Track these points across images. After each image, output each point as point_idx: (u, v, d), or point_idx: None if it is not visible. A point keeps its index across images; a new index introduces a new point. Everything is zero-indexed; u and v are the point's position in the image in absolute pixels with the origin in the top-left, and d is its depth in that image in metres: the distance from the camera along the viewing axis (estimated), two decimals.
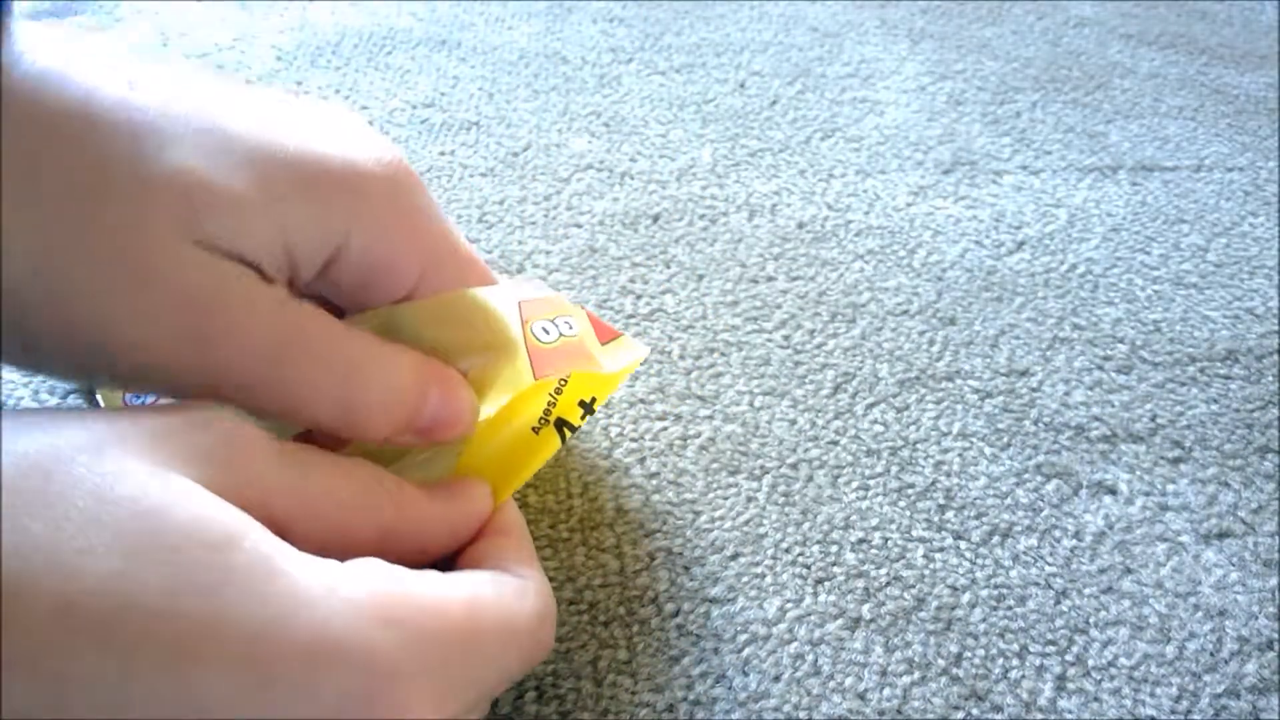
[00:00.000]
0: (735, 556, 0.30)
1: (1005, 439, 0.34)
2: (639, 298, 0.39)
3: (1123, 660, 0.28)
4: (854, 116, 0.52)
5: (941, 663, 0.27)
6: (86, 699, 0.15)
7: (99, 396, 0.31)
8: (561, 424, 0.25)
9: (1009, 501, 0.32)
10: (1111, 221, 0.46)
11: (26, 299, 0.18)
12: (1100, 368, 0.37)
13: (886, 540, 0.30)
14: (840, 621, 0.28)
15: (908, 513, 0.31)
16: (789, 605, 0.28)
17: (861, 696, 0.26)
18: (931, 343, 0.38)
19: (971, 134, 0.51)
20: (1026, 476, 0.33)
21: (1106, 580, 0.30)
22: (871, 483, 0.32)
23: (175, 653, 0.15)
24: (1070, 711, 0.27)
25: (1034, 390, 0.36)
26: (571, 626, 0.27)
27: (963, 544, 0.31)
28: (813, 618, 0.28)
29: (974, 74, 0.57)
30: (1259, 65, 0.60)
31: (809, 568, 0.29)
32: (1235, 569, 0.31)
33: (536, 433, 0.25)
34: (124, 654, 0.15)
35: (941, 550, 0.30)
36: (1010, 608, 0.29)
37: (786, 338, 0.37)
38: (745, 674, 0.27)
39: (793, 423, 0.34)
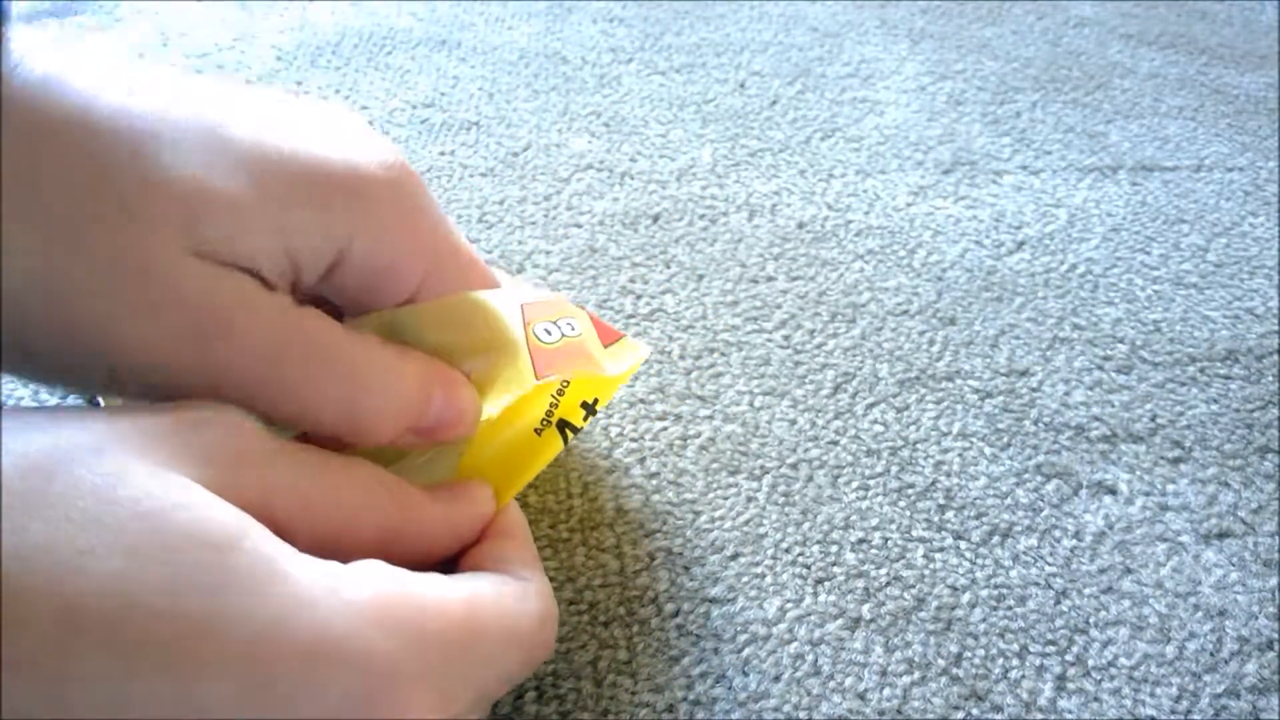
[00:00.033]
0: (735, 556, 0.30)
1: (1005, 439, 0.34)
2: (639, 298, 0.39)
3: (1123, 660, 0.28)
4: (854, 116, 0.52)
5: (941, 663, 0.27)
6: (87, 699, 0.15)
7: (100, 400, 0.31)
8: (564, 425, 0.25)
9: (1009, 501, 0.32)
10: (1111, 221, 0.46)
11: (27, 307, 0.18)
12: (1100, 368, 0.37)
13: (886, 540, 0.30)
14: (840, 621, 0.28)
15: (908, 513, 0.31)
16: (789, 605, 0.28)
17: (861, 696, 0.26)
18: (931, 343, 0.38)
19: (971, 134, 0.51)
20: (1026, 476, 0.33)
21: (1106, 580, 0.30)
22: (871, 483, 0.32)
23: (176, 653, 0.15)
24: (1070, 711, 0.27)
25: (1034, 390, 0.36)
26: (571, 627, 0.27)
27: (963, 544, 0.31)
28: (813, 618, 0.28)
29: (974, 74, 0.57)
30: (1259, 65, 0.60)
31: (809, 568, 0.29)
32: (1235, 569, 0.31)
33: (539, 434, 0.25)
34: (125, 654, 0.15)
35: (941, 550, 0.30)
36: (1010, 608, 0.29)
37: (786, 338, 0.37)
38: (745, 674, 0.27)
39: (793, 423, 0.34)
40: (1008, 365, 0.37)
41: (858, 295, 0.40)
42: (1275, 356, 0.39)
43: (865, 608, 0.28)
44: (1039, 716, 0.26)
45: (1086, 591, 0.29)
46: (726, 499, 0.31)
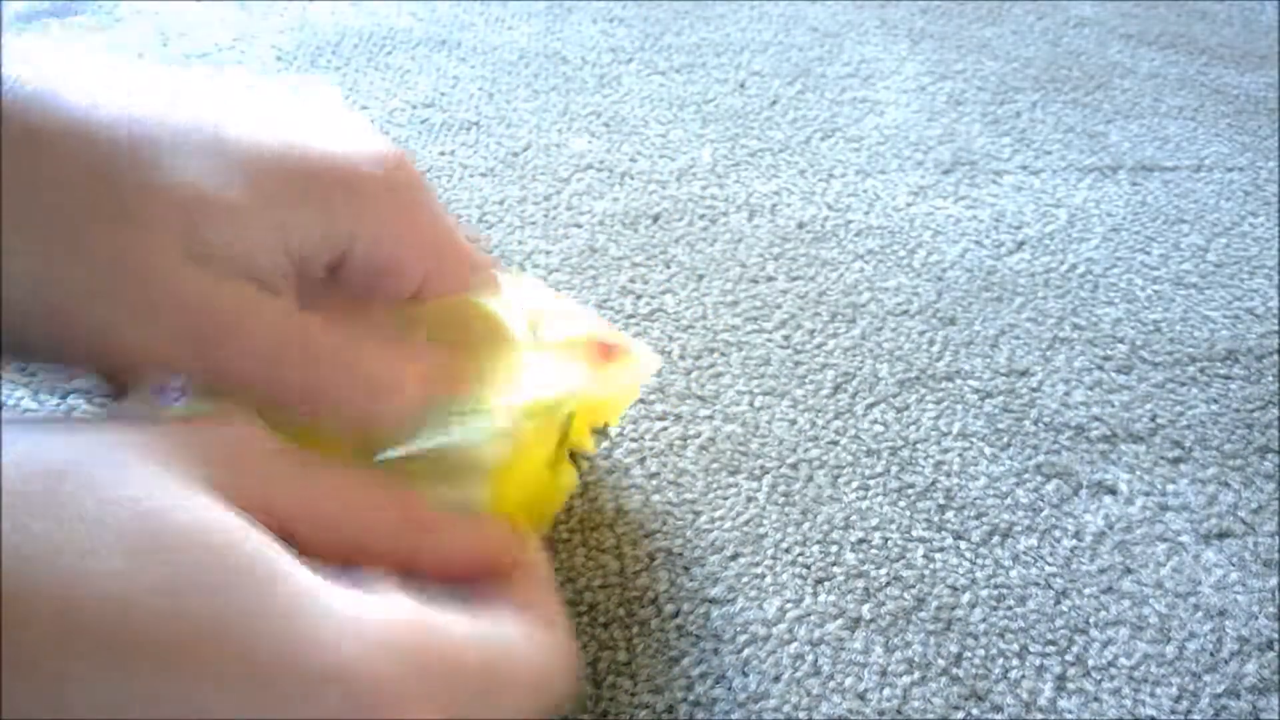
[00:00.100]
0: (735, 557, 0.30)
1: (1005, 439, 0.34)
2: (639, 298, 0.39)
3: (1123, 660, 0.28)
4: (854, 116, 0.52)
5: (941, 663, 0.27)
6: (87, 699, 0.15)
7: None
8: (575, 455, 0.25)
9: (1009, 501, 0.32)
10: (1111, 221, 0.46)
11: (28, 314, 0.18)
12: (1100, 368, 0.37)
13: (886, 540, 0.30)
14: (840, 621, 0.28)
15: (908, 513, 0.31)
16: (789, 605, 0.28)
17: (861, 696, 0.26)
18: (931, 343, 0.38)
19: (971, 134, 0.51)
20: (1026, 476, 0.33)
21: (1106, 580, 0.30)
22: (871, 483, 0.32)
23: (176, 655, 0.15)
24: (1070, 711, 0.27)
25: (1034, 390, 0.36)
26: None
27: (963, 544, 0.31)
28: (813, 618, 0.28)
29: (974, 74, 0.57)
30: (1259, 65, 0.60)
31: (809, 568, 0.29)
32: (1235, 569, 0.31)
33: (553, 469, 0.25)
34: (124, 656, 0.15)
35: (941, 550, 0.30)
36: (1010, 608, 0.29)
37: (786, 338, 0.37)
38: (745, 674, 0.27)
39: (793, 423, 0.34)
40: (1008, 365, 0.37)
41: (858, 295, 0.40)
42: (1275, 356, 0.39)
43: (865, 608, 0.28)
44: (1039, 716, 0.26)
45: (1086, 591, 0.29)
46: (726, 499, 0.31)
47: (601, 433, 0.25)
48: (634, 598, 0.28)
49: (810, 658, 0.27)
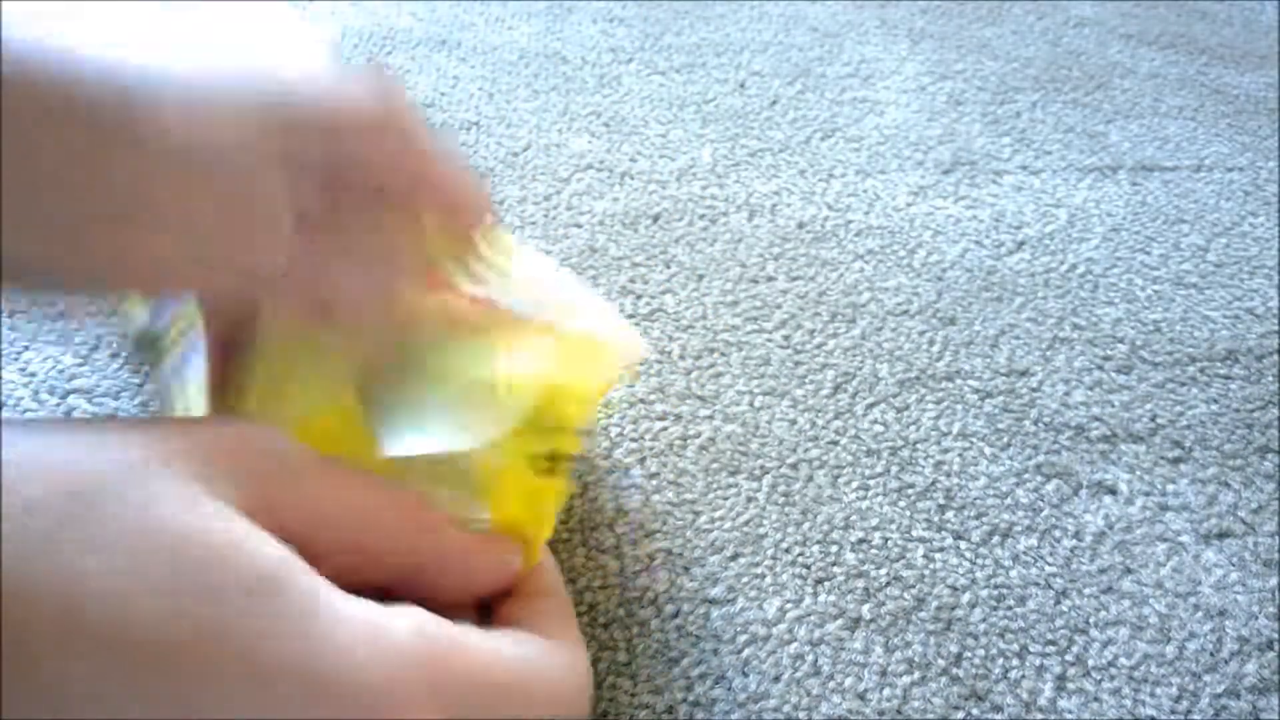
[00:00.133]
0: (735, 557, 0.30)
1: (1005, 439, 0.34)
2: (639, 298, 0.39)
3: (1123, 660, 0.28)
4: (854, 116, 0.52)
5: (941, 663, 0.27)
6: (87, 700, 0.15)
7: (160, 377, 0.31)
8: (561, 458, 0.25)
9: (1009, 501, 0.32)
10: (1111, 221, 0.46)
11: (34, 268, 0.18)
12: (1100, 368, 0.37)
13: (886, 540, 0.30)
14: (840, 621, 0.28)
15: (908, 513, 0.31)
16: (789, 605, 0.28)
17: (861, 696, 0.26)
18: (931, 343, 0.38)
19: (971, 134, 0.51)
20: (1026, 476, 0.33)
21: (1106, 580, 0.30)
22: (871, 483, 0.32)
23: (176, 658, 0.15)
24: (1070, 711, 0.27)
25: (1034, 390, 0.36)
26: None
27: (963, 544, 0.31)
28: (813, 618, 0.28)
29: (974, 74, 0.57)
30: (1259, 65, 0.60)
31: (809, 568, 0.29)
32: (1235, 569, 0.31)
33: (542, 475, 0.24)
34: (125, 657, 0.15)
35: (941, 550, 0.30)
36: (1010, 608, 0.29)
37: (786, 338, 0.37)
38: (745, 675, 0.27)
39: (793, 423, 0.34)
40: (1008, 365, 0.37)
41: (858, 295, 0.40)
42: (1275, 356, 0.39)
43: (865, 608, 0.28)
44: (1039, 716, 0.26)
45: (1086, 591, 0.29)
46: (726, 499, 0.31)
47: (586, 433, 0.25)
48: (634, 598, 0.28)
49: (810, 658, 0.27)
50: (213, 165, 0.19)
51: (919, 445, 0.34)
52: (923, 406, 0.35)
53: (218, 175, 0.19)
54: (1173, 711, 0.27)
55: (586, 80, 0.53)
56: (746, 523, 0.31)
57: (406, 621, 0.18)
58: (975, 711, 0.26)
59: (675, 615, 0.28)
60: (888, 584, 0.29)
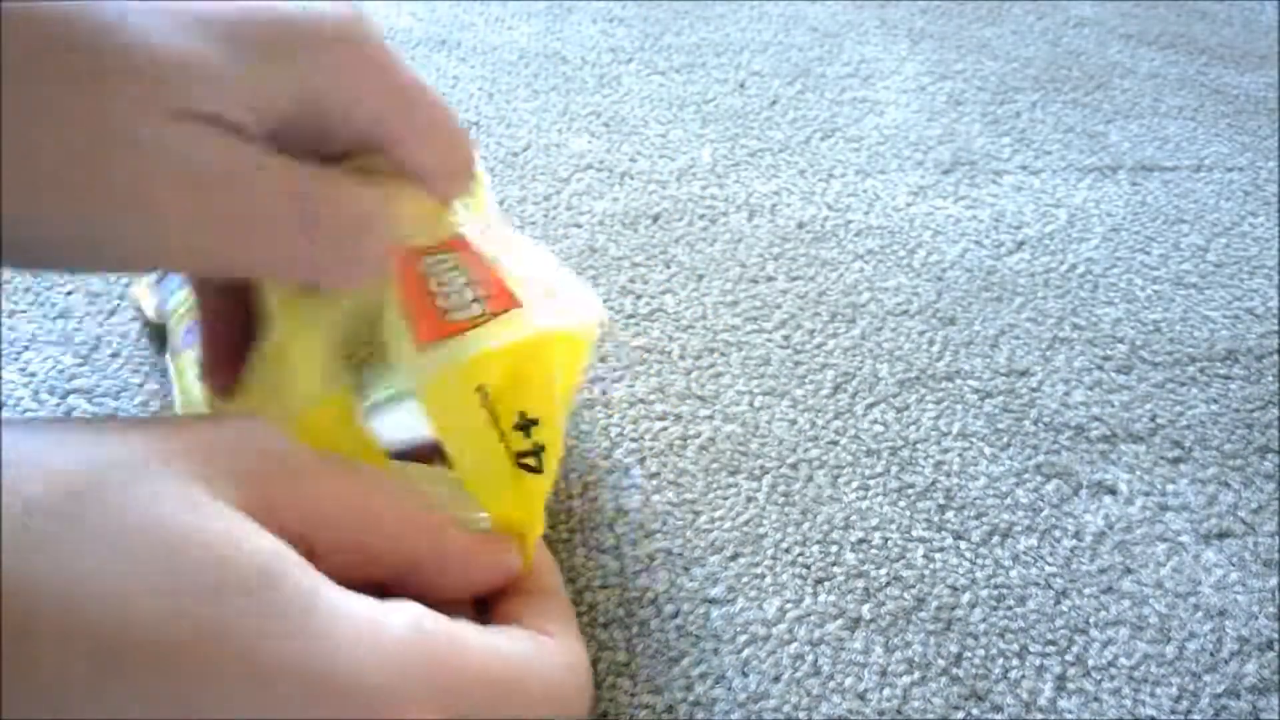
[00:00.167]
0: (735, 557, 0.29)
1: (1005, 439, 0.34)
2: (639, 298, 0.39)
3: (1123, 660, 0.28)
4: (854, 116, 0.52)
5: (941, 663, 0.27)
6: (87, 700, 0.15)
7: (168, 358, 0.31)
8: (521, 456, 0.23)
9: (1009, 501, 0.32)
10: (1111, 221, 0.46)
11: (19, 214, 0.18)
12: (1100, 368, 0.37)
13: (886, 540, 0.30)
14: (840, 621, 0.28)
15: (908, 513, 0.31)
16: (789, 605, 0.28)
17: (861, 696, 0.26)
18: (931, 343, 0.38)
19: (971, 134, 0.51)
20: (1026, 476, 0.33)
21: (1106, 580, 0.30)
22: (871, 483, 0.32)
23: (176, 658, 0.15)
24: (1070, 711, 0.27)
25: (1034, 390, 0.36)
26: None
27: (963, 544, 0.31)
28: (813, 618, 0.28)
29: (974, 74, 0.57)
30: (1259, 65, 0.60)
31: (809, 568, 0.29)
32: (1235, 569, 0.31)
33: (528, 472, 0.23)
34: (125, 657, 0.15)
35: (941, 550, 0.30)
36: (1010, 608, 0.29)
37: (786, 338, 0.37)
38: (745, 674, 0.27)
39: (793, 423, 0.34)
40: (1008, 365, 0.37)
41: (858, 295, 0.40)
42: (1275, 356, 0.39)
43: (865, 608, 0.28)
44: (1039, 716, 0.26)
45: (1086, 591, 0.29)
46: (726, 499, 0.31)
47: (526, 425, 0.23)
48: (634, 598, 0.28)
49: (810, 658, 0.27)
50: (208, 163, 0.19)
51: (919, 445, 0.34)
52: (923, 406, 0.35)
53: (214, 173, 0.19)
54: (1173, 711, 0.27)
55: (586, 80, 0.53)
56: (746, 523, 0.31)
57: (404, 618, 0.18)
58: (975, 711, 0.26)
59: (675, 615, 0.28)
60: (888, 584, 0.29)
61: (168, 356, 0.31)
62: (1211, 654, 0.28)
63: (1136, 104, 0.55)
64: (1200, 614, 0.29)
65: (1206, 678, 0.28)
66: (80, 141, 0.18)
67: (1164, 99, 0.56)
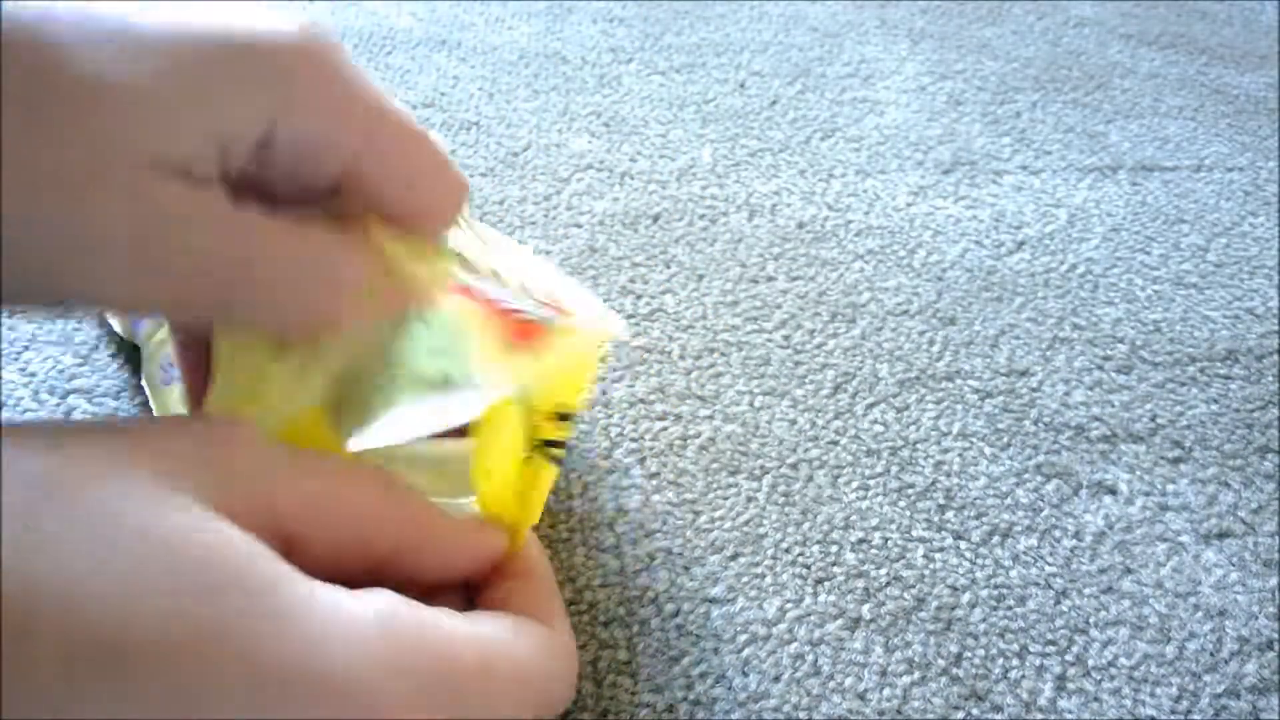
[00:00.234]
0: (735, 556, 0.30)
1: (1005, 439, 0.34)
2: (639, 298, 0.39)
3: (1123, 660, 0.28)
4: (854, 116, 0.52)
5: (941, 663, 0.27)
6: (87, 701, 0.15)
7: (144, 380, 0.31)
8: (546, 444, 0.24)
9: (1009, 501, 0.32)
10: (1111, 221, 0.46)
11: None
12: (1100, 368, 0.37)
13: (886, 540, 0.30)
14: (840, 621, 0.28)
15: (908, 513, 0.31)
16: (789, 605, 0.28)
17: (861, 696, 0.26)
18: (931, 343, 0.38)
19: (971, 134, 0.51)
20: (1026, 476, 0.33)
21: (1106, 580, 0.30)
22: (871, 483, 0.32)
23: (176, 658, 0.15)
24: (1070, 711, 0.27)
25: (1034, 390, 0.36)
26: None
27: (963, 544, 0.31)
28: (813, 618, 0.28)
29: (974, 74, 0.57)
30: (1259, 65, 0.60)
31: (809, 568, 0.29)
32: (1235, 569, 0.31)
33: (528, 463, 0.24)
34: (126, 681, 0.15)
35: (941, 550, 0.30)
36: (1010, 608, 0.29)
37: (786, 338, 0.37)
38: (745, 674, 0.27)
39: (793, 423, 0.34)
40: (1008, 365, 0.37)
41: (858, 295, 0.40)
42: (1275, 356, 0.39)
43: (865, 608, 0.28)
44: (1039, 716, 0.26)
45: (1086, 591, 0.29)
46: (726, 499, 0.31)
47: (567, 418, 0.24)
48: (634, 597, 0.28)
49: (810, 658, 0.27)
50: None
51: (919, 445, 0.34)
52: (923, 406, 0.35)
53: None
54: (1173, 711, 0.27)
55: (586, 80, 0.53)
56: (746, 522, 0.31)
57: (376, 607, 0.18)
58: (975, 711, 0.26)
59: (676, 614, 0.28)
60: (888, 584, 0.29)
61: (144, 381, 0.31)
62: (1211, 654, 0.28)
63: (1136, 104, 0.55)
64: (1200, 614, 0.29)
65: (1206, 678, 0.28)
66: (25, 187, 0.17)
67: (1164, 99, 0.56)
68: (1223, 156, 0.51)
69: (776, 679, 0.27)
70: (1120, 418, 0.35)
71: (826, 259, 0.42)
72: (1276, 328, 0.40)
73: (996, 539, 0.31)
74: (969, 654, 0.28)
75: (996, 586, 0.29)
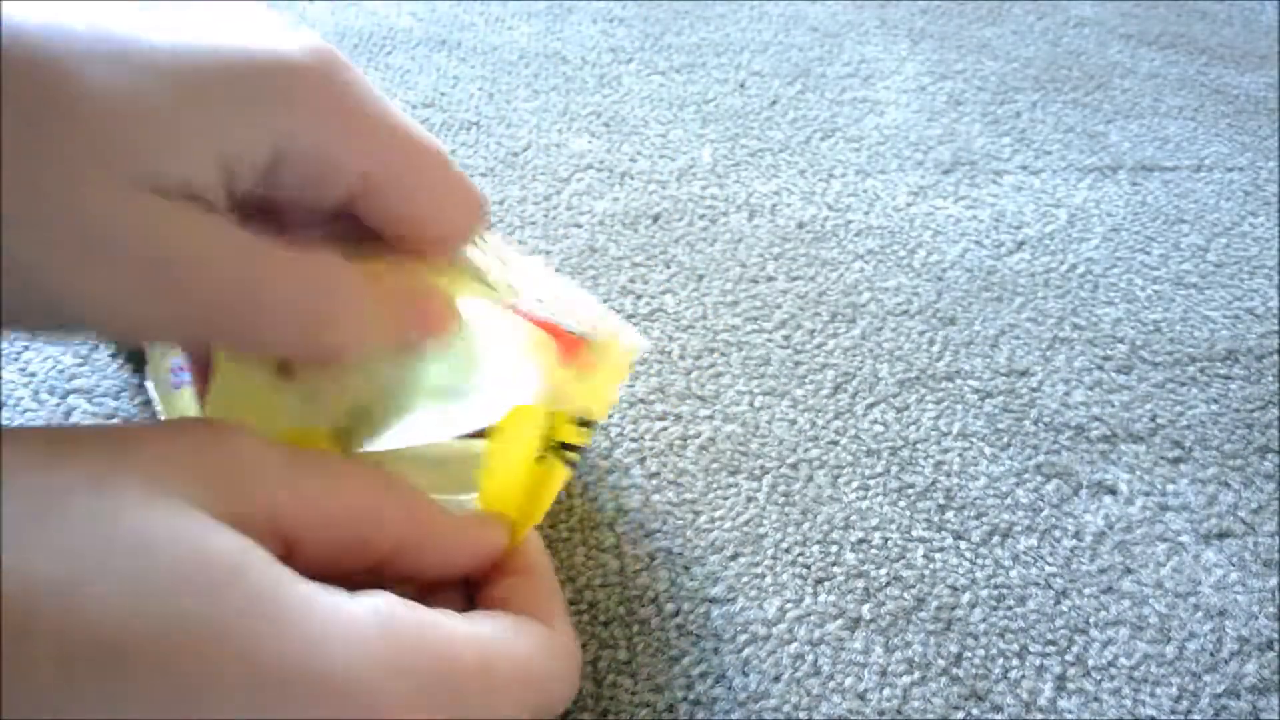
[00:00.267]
0: (735, 556, 0.30)
1: (1005, 439, 0.34)
2: (639, 298, 0.39)
3: (1123, 660, 0.28)
4: (854, 116, 0.52)
5: (941, 663, 0.27)
6: (88, 701, 0.15)
7: (149, 383, 0.31)
8: (563, 447, 0.24)
9: (1009, 501, 0.32)
10: (1111, 221, 0.46)
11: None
12: (1100, 368, 0.37)
13: (886, 540, 0.30)
14: (840, 621, 0.28)
15: (908, 513, 0.31)
16: (789, 605, 0.28)
17: (861, 696, 0.26)
18: (931, 343, 0.38)
19: (971, 134, 0.51)
20: (1026, 476, 0.33)
21: (1106, 580, 0.30)
22: (871, 483, 0.32)
23: (177, 658, 0.15)
24: (1070, 711, 0.27)
25: (1034, 390, 0.36)
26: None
27: (963, 544, 0.31)
28: (813, 618, 0.28)
29: (974, 74, 0.57)
30: (1259, 65, 0.60)
31: (809, 568, 0.29)
32: (1235, 569, 0.31)
33: (541, 462, 0.24)
34: (125, 658, 0.15)
35: (941, 550, 0.30)
36: (1010, 608, 0.29)
37: (786, 338, 0.37)
38: (745, 674, 0.27)
39: (793, 423, 0.34)
40: (1008, 365, 0.37)
41: (858, 295, 0.40)
42: (1275, 356, 0.39)
43: (865, 608, 0.28)
44: (1039, 716, 0.26)
45: (1086, 591, 0.29)
46: (726, 499, 0.31)
47: (589, 424, 0.25)
48: (634, 597, 0.28)
49: (810, 658, 0.27)
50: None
51: (919, 445, 0.34)
52: (923, 406, 0.35)
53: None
54: (1173, 711, 0.27)
55: (586, 80, 0.53)
56: (746, 522, 0.31)
57: (373, 608, 0.18)
58: (975, 711, 0.26)
59: (676, 614, 0.28)
60: (888, 584, 0.29)
61: (150, 384, 0.31)
62: (1211, 654, 0.28)
63: (1136, 104, 0.55)
64: (1200, 614, 0.29)
65: (1206, 678, 0.28)
66: (27, 205, 0.16)
67: (1164, 99, 0.56)
68: (1223, 156, 0.51)
69: (776, 679, 0.27)
70: (1120, 418, 0.35)
71: (826, 259, 0.42)
72: (1276, 328, 0.40)
73: (996, 539, 0.31)
74: (969, 654, 0.28)
75: (996, 586, 0.29)
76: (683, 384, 0.35)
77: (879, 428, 0.34)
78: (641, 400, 0.34)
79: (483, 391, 0.24)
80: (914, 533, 0.31)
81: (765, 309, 0.39)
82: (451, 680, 0.18)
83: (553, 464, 0.24)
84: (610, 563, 0.29)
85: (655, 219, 0.43)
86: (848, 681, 0.27)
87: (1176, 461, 0.34)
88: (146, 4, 0.19)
